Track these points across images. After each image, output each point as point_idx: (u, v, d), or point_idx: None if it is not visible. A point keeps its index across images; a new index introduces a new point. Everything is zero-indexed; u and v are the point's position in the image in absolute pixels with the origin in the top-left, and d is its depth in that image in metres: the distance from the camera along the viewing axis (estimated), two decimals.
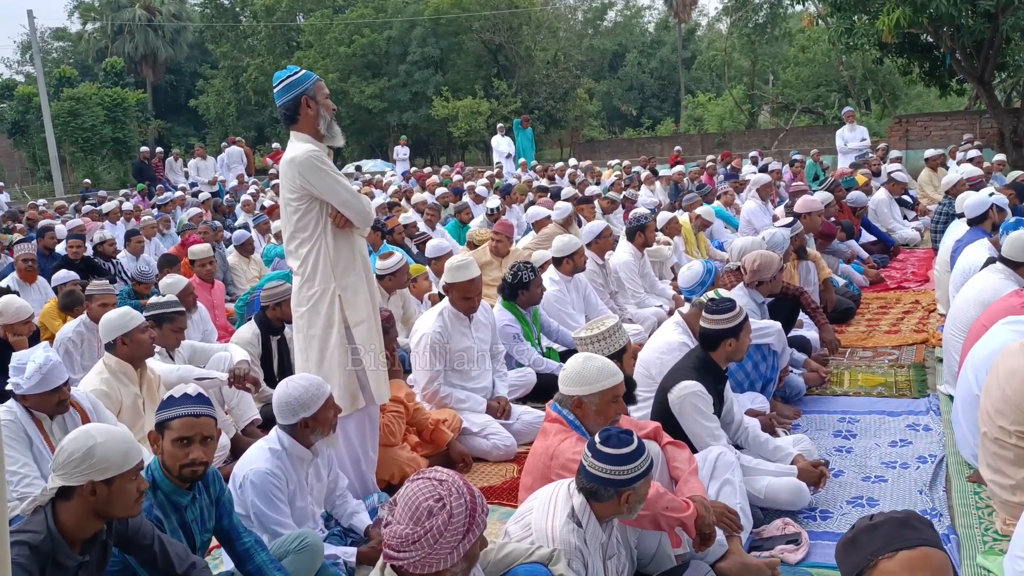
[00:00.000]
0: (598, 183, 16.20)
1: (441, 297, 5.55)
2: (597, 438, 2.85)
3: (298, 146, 3.89)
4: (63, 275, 7.83)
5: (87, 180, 24.96)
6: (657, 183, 15.84)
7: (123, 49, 39.47)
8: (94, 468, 2.67)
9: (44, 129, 27.89)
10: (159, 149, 23.99)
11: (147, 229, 11.90)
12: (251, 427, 5.36)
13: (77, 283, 7.45)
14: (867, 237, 10.37)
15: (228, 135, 29.66)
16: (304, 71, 3.97)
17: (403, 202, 13.88)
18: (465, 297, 5.13)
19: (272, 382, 5.71)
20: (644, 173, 16.42)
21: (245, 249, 10.05)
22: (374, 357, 4.02)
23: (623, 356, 3.79)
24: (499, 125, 22.31)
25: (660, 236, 8.79)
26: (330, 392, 3.62)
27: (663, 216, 9.19)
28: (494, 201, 11.39)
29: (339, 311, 3.94)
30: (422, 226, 10.35)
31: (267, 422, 5.09)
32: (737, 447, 4.16)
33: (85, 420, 4.00)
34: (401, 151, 24.96)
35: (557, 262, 6.84)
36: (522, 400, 5.65)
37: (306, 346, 4.02)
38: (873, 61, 23.83)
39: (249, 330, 5.99)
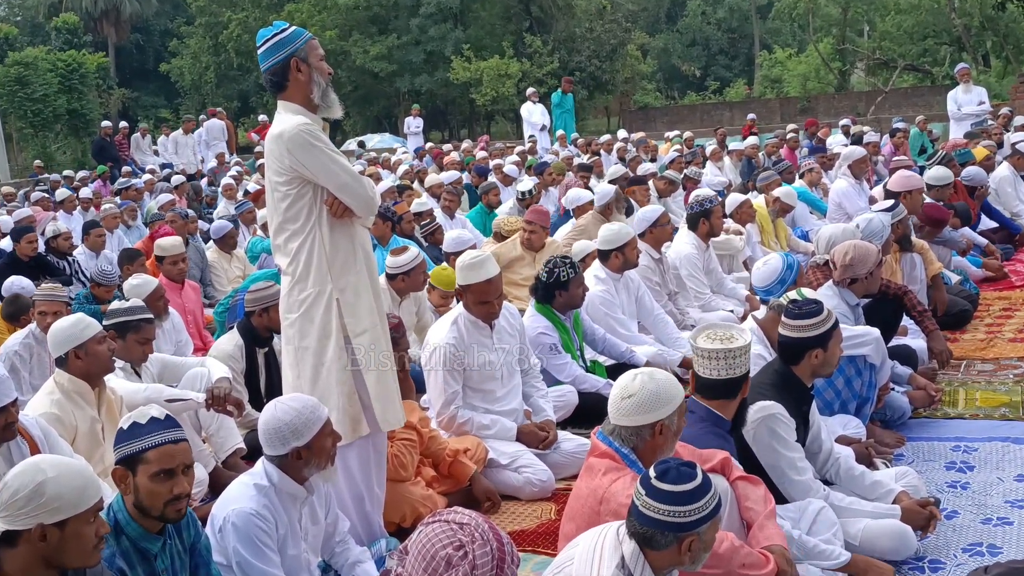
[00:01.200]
0: (653, 160, 16.19)
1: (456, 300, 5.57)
2: (652, 472, 2.83)
3: (287, 119, 3.93)
4: (13, 281, 7.61)
5: (38, 162, 25.29)
6: (726, 159, 15.69)
7: (79, 3, 39.85)
8: (44, 508, 2.67)
9: None
10: (123, 124, 24.39)
11: (109, 220, 11.85)
12: (233, 458, 5.38)
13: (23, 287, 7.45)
14: (987, 223, 10.25)
15: (206, 106, 30.26)
16: (294, 28, 4.01)
17: (416, 184, 13.82)
18: (482, 301, 5.10)
19: (258, 404, 5.73)
20: (710, 147, 16.27)
21: (226, 243, 9.97)
22: (380, 374, 4.04)
23: (743, 385, 3.77)
24: (531, 91, 22.17)
25: (729, 224, 8.74)
26: (327, 416, 3.64)
27: (733, 199, 9.14)
28: (526, 183, 11.24)
29: (337, 318, 3.97)
30: (439, 214, 10.28)
31: (252, 452, 5.13)
32: (826, 482, 4.13)
33: (34, 451, 4.01)
34: (413, 123, 24.82)
35: (603, 256, 6.79)
36: (561, 424, 5.63)
37: (297, 360, 4.05)
38: (993, 6, 23.56)
39: (230, 341, 6.00)
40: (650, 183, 11.39)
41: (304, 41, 3.95)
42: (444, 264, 7.65)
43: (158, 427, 3.15)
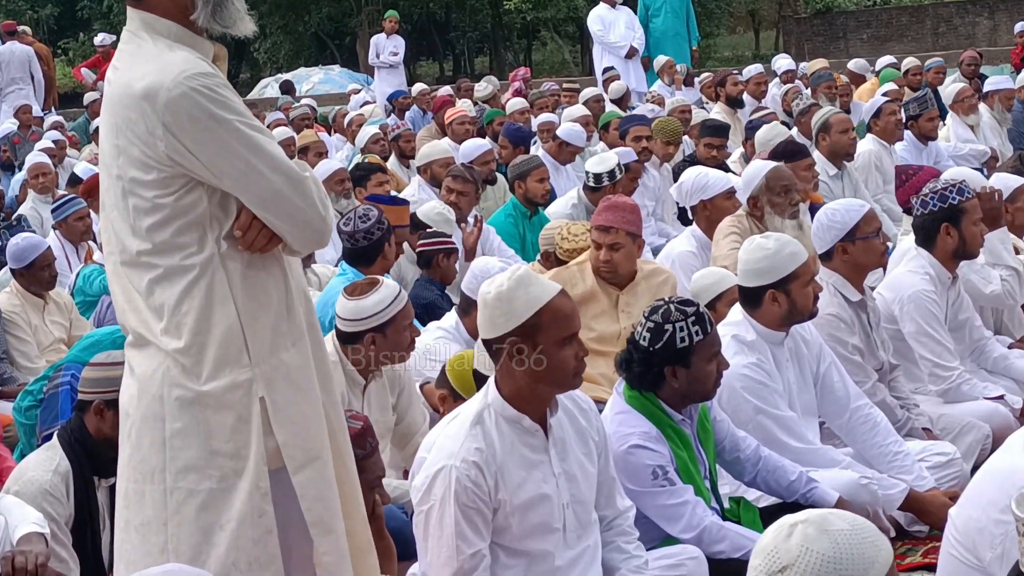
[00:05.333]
0: (844, 109, 10.62)
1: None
2: None
3: (159, 56, 3.08)
4: None
5: None
6: (982, 108, 10.64)
7: None
8: None
9: None
10: None
11: None
12: None
13: None
14: None
15: None
16: None
17: (392, 162, 10.20)
18: (561, 340, 3.85)
19: None
20: (951, 87, 10.99)
21: (36, 277, 6.97)
22: (336, 536, 3.31)
23: None
24: None
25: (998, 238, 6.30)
26: None
27: (1003, 183, 6.50)
28: (604, 159, 7.90)
29: (258, 435, 3.14)
30: (442, 214, 7.02)
31: None
32: None
33: None
34: (387, 46, 17.20)
35: (751, 298, 4.93)
36: None
37: (160, 514, 3.18)
38: None
39: (47, 465, 4.58)
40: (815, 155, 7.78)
41: None
42: (444, 327, 5.82)
43: None
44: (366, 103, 14.24)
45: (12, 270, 7.05)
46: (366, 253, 6.08)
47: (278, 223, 3.21)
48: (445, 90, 14.54)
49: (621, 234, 6.05)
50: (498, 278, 3.92)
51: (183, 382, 3.17)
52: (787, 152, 7.58)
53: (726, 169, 8.09)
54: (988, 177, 6.83)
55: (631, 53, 14.65)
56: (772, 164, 6.85)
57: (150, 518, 3.23)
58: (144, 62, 3.14)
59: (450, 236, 6.63)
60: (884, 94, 10.25)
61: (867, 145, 8.52)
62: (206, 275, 3.21)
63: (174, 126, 3.06)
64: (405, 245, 6.84)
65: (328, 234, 3.43)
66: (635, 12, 15.44)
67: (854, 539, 2.55)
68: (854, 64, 14.43)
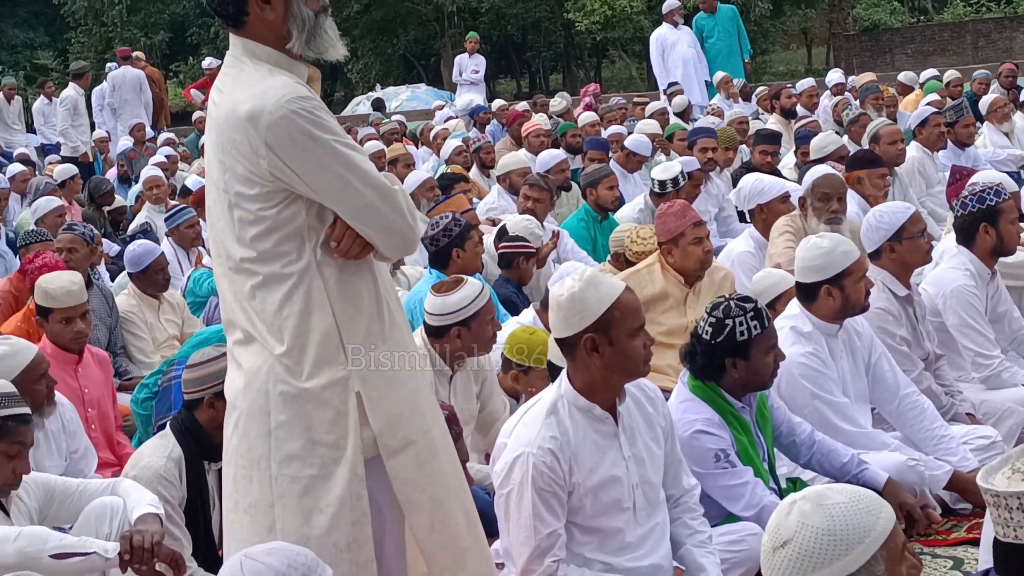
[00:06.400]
0: (891, 119, 11.16)
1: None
2: None
3: (261, 80, 3.18)
4: None
5: None
6: (1017, 117, 10.86)
7: None
8: None
9: None
10: None
11: None
12: None
13: None
14: None
15: (113, 45, 21.52)
16: None
17: (474, 172, 10.56)
18: (632, 332, 3.95)
19: (211, 560, 4.56)
20: (989, 96, 11.58)
21: (151, 280, 7.16)
22: (427, 514, 3.42)
23: None
24: (672, 3, 15.52)
25: None
26: None
27: None
28: (668, 166, 8.19)
29: (355, 428, 3.26)
30: (530, 228, 7.13)
31: None
32: None
33: None
34: (468, 65, 17.72)
35: (807, 293, 5.06)
36: None
37: (265, 499, 3.29)
38: None
39: (162, 452, 4.68)
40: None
41: None
42: (523, 322, 5.86)
43: None
44: (450, 118, 14.52)
45: (129, 274, 7.27)
46: (444, 253, 6.29)
47: (371, 232, 3.31)
48: (521, 105, 14.94)
49: (690, 237, 6.21)
50: (567, 281, 4.05)
51: (287, 379, 3.28)
52: (864, 160, 7.74)
53: (779, 174, 8.24)
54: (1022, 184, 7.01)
55: (692, 66, 15.07)
56: (825, 171, 6.98)
57: (257, 501, 3.35)
58: (247, 86, 3.24)
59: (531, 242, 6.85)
60: (928, 104, 10.56)
61: (912, 152, 8.73)
62: (304, 282, 3.31)
63: (276, 146, 3.16)
64: (489, 246, 7.07)
65: (416, 241, 3.52)
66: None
67: (848, 511, 2.61)
68: (903, 76, 14.89)
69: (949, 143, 9.23)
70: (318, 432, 3.27)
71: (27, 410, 4.22)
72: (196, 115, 15.74)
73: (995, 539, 2.91)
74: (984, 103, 11.07)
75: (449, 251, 6.28)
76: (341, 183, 3.21)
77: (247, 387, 3.29)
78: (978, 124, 10.46)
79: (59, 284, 5.96)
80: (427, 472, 3.41)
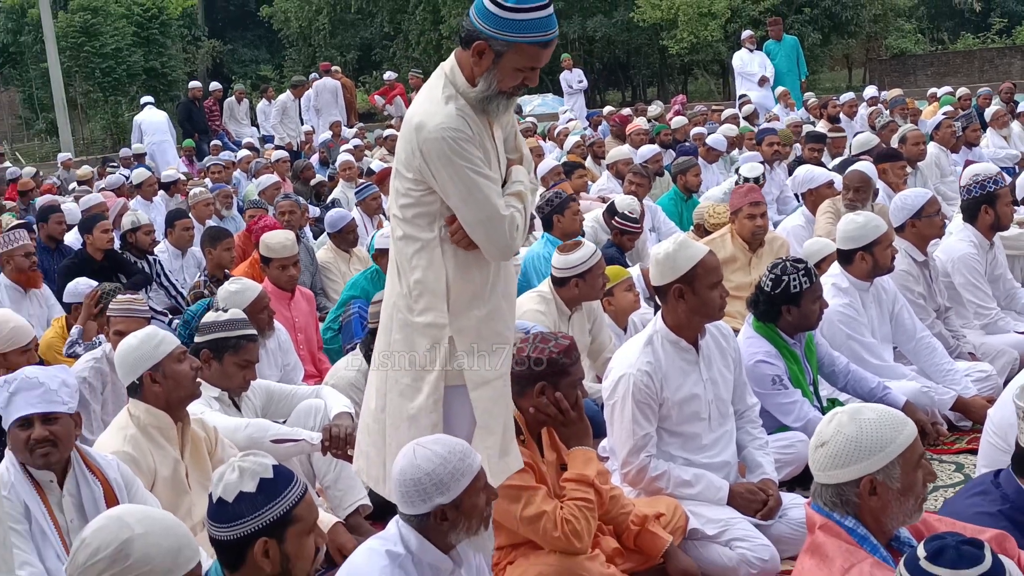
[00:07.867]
0: (915, 124, 12.44)
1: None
2: (921, 551, 2.43)
3: (433, 104, 3.52)
4: (81, 286, 6.56)
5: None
6: (1014, 124, 12.79)
7: None
8: (130, 574, 2.50)
9: (46, 56, 21.99)
10: (214, 85, 20.55)
11: (199, 208, 10.06)
12: (356, 517, 4.76)
13: (97, 292, 6.36)
14: None
15: (317, 61, 25.39)
16: (543, 16, 3.45)
17: (589, 160, 11.95)
18: (712, 284, 4.41)
19: None
20: (992, 108, 13.19)
21: (344, 238, 8.44)
22: (496, 437, 3.62)
23: None
24: (747, 34, 18.18)
25: (1021, 213, 7.33)
26: (480, 466, 3.25)
27: None
28: (752, 166, 9.20)
29: (443, 358, 3.57)
30: (632, 206, 7.93)
31: (379, 510, 4.66)
32: None
33: (110, 499, 3.68)
34: (572, 78, 20.36)
35: (846, 258, 5.73)
36: (787, 485, 4.89)
37: (380, 386, 3.69)
38: None
39: (352, 366, 5.28)
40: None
41: (524, 38, 3.42)
42: (622, 267, 6.55)
43: (286, 484, 2.85)
44: (570, 120, 16.85)
45: (328, 233, 8.59)
46: (548, 219, 7.27)
47: (478, 239, 3.59)
48: (626, 111, 17.19)
49: (752, 212, 6.93)
50: (665, 243, 4.54)
51: (403, 310, 3.64)
52: (889, 155, 8.65)
53: (823, 166, 9.33)
54: (1020, 173, 8.17)
55: (762, 82, 17.00)
56: (861, 166, 7.69)
57: (379, 389, 3.75)
58: (427, 100, 3.58)
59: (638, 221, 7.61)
60: (943, 114, 12.14)
61: (930, 150, 10.06)
62: (429, 247, 3.63)
63: (426, 155, 3.51)
64: (599, 217, 7.87)
65: (510, 254, 3.71)
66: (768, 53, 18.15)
67: (875, 425, 2.90)
68: (925, 92, 17.33)
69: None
70: (417, 354, 3.62)
71: (254, 332, 4.82)
72: (384, 115, 19.53)
73: (1017, 444, 3.26)
74: (988, 113, 12.80)
75: (551, 217, 7.23)
76: (459, 199, 3.52)
77: (384, 308, 3.75)
78: (982, 130, 12.23)
79: (277, 240, 6.83)
80: (499, 406, 3.67)
